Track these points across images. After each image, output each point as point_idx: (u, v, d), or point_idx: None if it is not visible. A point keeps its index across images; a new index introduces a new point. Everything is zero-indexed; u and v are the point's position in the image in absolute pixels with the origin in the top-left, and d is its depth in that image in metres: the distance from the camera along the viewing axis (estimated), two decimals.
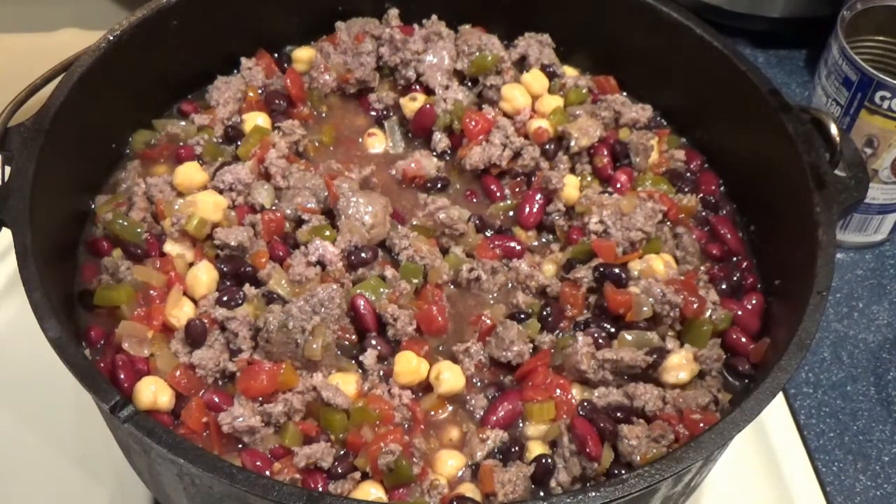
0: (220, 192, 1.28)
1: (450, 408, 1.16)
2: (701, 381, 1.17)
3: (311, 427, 1.09)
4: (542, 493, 1.08)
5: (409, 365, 1.13)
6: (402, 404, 1.11)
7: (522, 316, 1.21)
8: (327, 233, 1.24)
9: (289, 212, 1.27)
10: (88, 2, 1.90)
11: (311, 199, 1.28)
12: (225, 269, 1.21)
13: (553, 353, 1.17)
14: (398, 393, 1.12)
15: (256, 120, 1.37)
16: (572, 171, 1.37)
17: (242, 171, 1.29)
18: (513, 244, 1.29)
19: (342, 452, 1.08)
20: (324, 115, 1.45)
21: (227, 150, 1.35)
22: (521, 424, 1.14)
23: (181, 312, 1.16)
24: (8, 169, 1.15)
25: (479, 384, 1.17)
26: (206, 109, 1.41)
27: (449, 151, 1.40)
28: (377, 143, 1.42)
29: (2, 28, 1.83)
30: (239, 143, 1.36)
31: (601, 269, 1.21)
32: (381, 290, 1.20)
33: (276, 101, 1.41)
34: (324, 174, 1.30)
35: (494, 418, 1.13)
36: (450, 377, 1.13)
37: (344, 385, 1.11)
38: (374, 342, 1.16)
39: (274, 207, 1.28)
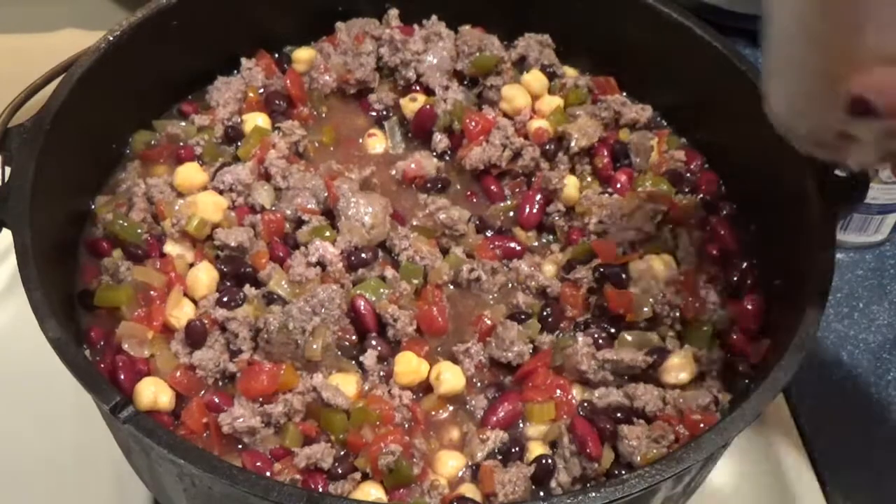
0: (220, 192, 1.28)
1: (450, 408, 1.16)
2: (701, 381, 1.17)
3: (311, 428, 1.09)
4: (542, 494, 1.08)
5: (410, 365, 1.13)
6: (402, 405, 1.11)
7: (522, 316, 1.21)
8: (327, 233, 1.24)
9: (289, 212, 1.27)
10: (88, 2, 1.90)
11: (311, 200, 1.28)
12: (225, 269, 1.21)
13: (553, 354, 1.17)
14: (398, 393, 1.12)
15: (256, 120, 1.37)
16: (572, 171, 1.37)
17: (242, 172, 1.29)
18: (513, 244, 1.29)
19: (342, 453, 1.08)
20: (324, 115, 1.45)
21: (227, 151, 1.35)
22: (521, 425, 1.14)
23: (181, 313, 1.16)
24: (8, 169, 1.15)
25: (479, 384, 1.17)
26: (206, 110, 1.41)
27: (449, 152, 1.40)
28: (377, 143, 1.42)
29: (2, 28, 1.83)
30: (239, 143, 1.36)
31: (601, 270, 1.21)
32: (382, 290, 1.20)
33: (276, 102, 1.41)
34: (324, 175, 1.30)
35: (494, 419, 1.13)
36: (450, 377, 1.13)
37: (344, 385, 1.11)
38: (374, 342, 1.16)
39: (274, 208, 1.28)
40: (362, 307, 1.16)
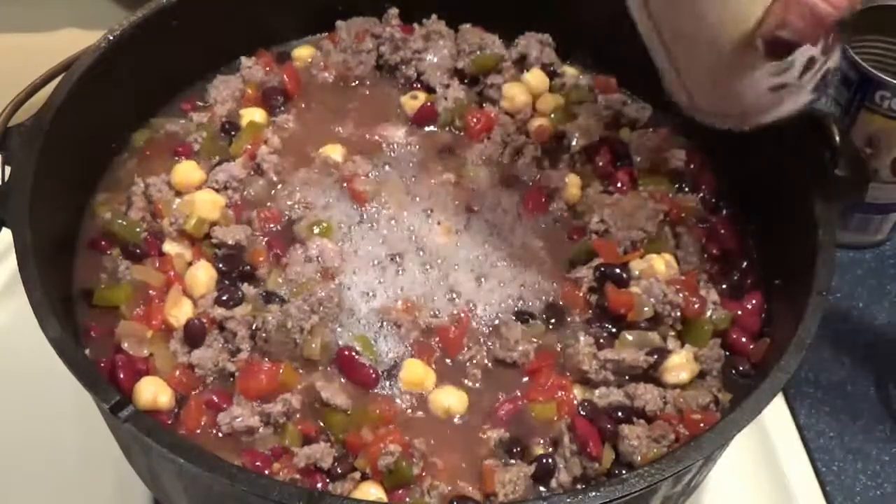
0: (217, 191, 1.28)
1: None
2: (701, 381, 1.17)
3: (310, 427, 1.09)
4: (542, 493, 1.08)
5: (416, 375, 1.12)
6: (403, 409, 1.11)
7: (526, 316, 1.20)
8: (325, 227, 1.24)
9: (284, 208, 1.27)
10: (88, 2, 1.90)
11: (308, 193, 1.28)
12: (224, 268, 1.21)
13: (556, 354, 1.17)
14: (400, 395, 1.12)
15: (254, 116, 1.38)
16: (573, 170, 1.37)
17: (235, 168, 1.29)
18: None
19: (342, 453, 1.08)
20: None
21: (224, 148, 1.35)
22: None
23: (180, 312, 1.16)
24: (8, 169, 1.15)
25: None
26: (205, 108, 1.41)
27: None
28: None
29: (2, 28, 1.83)
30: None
31: (602, 269, 1.21)
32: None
33: (275, 97, 1.41)
34: (340, 180, 1.31)
35: (496, 417, 1.12)
36: (455, 402, 1.12)
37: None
38: None
39: (270, 204, 1.27)
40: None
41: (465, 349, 1.17)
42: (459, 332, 1.17)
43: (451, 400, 1.12)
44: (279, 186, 1.30)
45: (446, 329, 1.18)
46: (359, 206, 1.30)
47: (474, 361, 1.16)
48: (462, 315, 1.20)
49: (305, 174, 1.31)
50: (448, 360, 1.17)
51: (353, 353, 1.13)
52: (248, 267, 1.21)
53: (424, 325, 1.18)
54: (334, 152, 1.35)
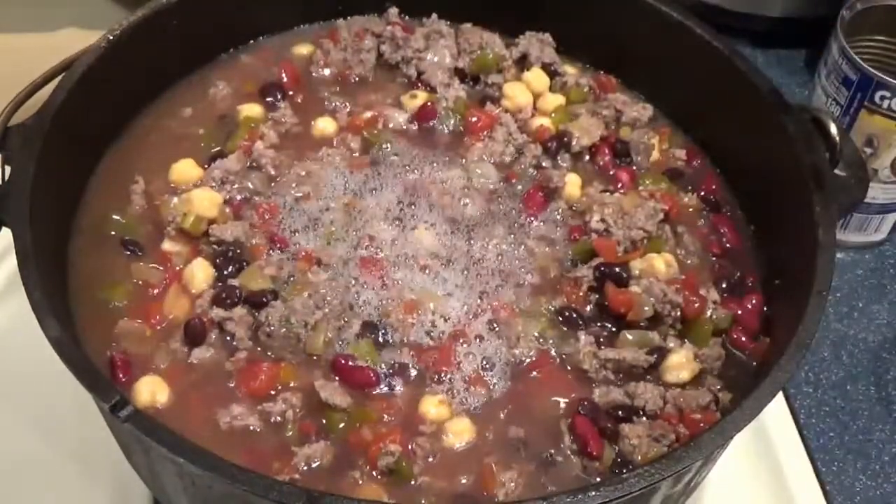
0: (215, 188, 1.27)
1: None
2: (701, 380, 1.17)
3: (310, 427, 1.09)
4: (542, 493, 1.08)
5: (436, 412, 1.11)
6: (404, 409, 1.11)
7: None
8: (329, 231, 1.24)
9: (283, 201, 1.27)
10: (88, 2, 1.90)
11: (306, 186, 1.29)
12: (222, 266, 1.21)
13: (555, 353, 1.17)
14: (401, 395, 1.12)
15: (250, 111, 1.38)
16: (573, 169, 1.37)
17: (230, 164, 1.29)
18: None
19: (342, 453, 1.08)
20: None
21: (221, 144, 1.35)
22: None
23: (180, 311, 1.16)
24: (8, 169, 1.15)
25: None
26: (204, 105, 1.41)
27: None
28: None
29: (2, 28, 1.83)
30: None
31: (602, 269, 1.21)
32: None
33: (273, 93, 1.41)
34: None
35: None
36: (461, 430, 1.11)
37: None
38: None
39: (272, 196, 1.28)
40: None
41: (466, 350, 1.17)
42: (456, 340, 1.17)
43: (456, 427, 1.11)
44: (277, 181, 1.30)
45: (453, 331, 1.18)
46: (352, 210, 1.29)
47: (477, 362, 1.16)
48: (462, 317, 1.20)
49: (303, 166, 1.31)
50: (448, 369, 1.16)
51: (349, 362, 1.12)
52: (247, 264, 1.20)
53: (424, 329, 1.18)
54: (327, 125, 1.36)
